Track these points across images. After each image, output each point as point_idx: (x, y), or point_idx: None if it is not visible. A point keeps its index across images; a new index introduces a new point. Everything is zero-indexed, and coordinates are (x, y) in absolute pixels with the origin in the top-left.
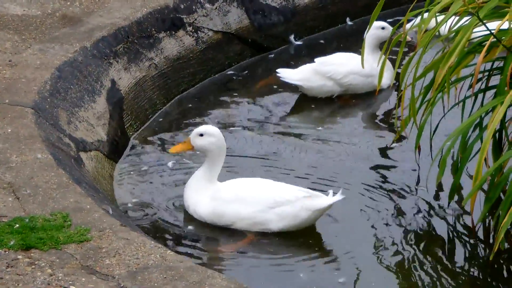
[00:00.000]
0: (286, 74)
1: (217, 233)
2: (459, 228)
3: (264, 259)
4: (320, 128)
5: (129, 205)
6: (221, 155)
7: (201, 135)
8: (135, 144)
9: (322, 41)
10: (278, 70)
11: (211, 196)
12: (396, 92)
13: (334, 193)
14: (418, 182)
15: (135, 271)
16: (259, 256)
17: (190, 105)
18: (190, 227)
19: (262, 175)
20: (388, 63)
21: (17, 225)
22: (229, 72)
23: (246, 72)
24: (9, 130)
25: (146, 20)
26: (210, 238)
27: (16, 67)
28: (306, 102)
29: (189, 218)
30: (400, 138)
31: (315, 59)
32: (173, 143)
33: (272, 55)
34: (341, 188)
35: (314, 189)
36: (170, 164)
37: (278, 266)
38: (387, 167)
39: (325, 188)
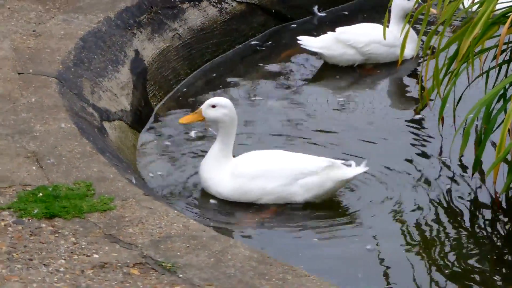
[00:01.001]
0: (307, 41)
1: (240, 204)
2: (482, 199)
3: (288, 229)
4: (342, 98)
5: (152, 175)
6: (233, 127)
7: (213, 106)
8: (159, 114)
9: (346, 13)
10: (299, 38)
11: (231, 172)
12: (419, 63)
13: (357, 165)
14: (441, 153)
15: (158, 240)
16: (283, 227)
17: (214, 75)
18: (212, 200)
19: (286, 145)
20: (412, 34)
21: (41, 194)
22: (252, 43)
23: (270, 42)
24: (33, 100)
25: None
26: (234, 208)
27: (40, 37)
28: (330, 71)
29: None
30: (423, 109)
31: (337, 29)
32: None
33: (295, 25)
34: (365, 159)
35: (338, 159)
36: (193, 133)
37: (302, 237)
38: (410, 138)
39: (348, 158)
